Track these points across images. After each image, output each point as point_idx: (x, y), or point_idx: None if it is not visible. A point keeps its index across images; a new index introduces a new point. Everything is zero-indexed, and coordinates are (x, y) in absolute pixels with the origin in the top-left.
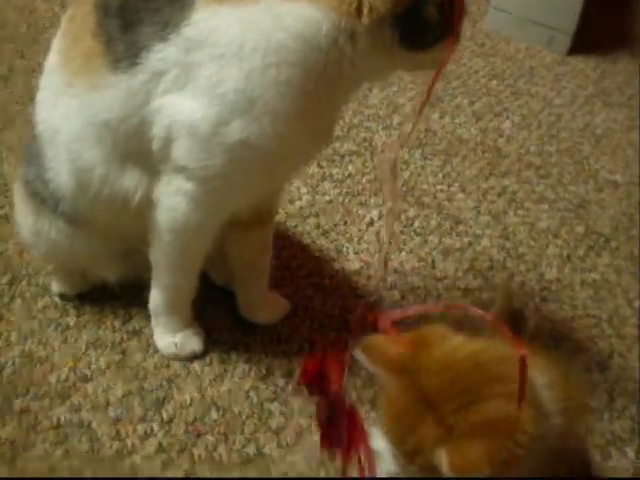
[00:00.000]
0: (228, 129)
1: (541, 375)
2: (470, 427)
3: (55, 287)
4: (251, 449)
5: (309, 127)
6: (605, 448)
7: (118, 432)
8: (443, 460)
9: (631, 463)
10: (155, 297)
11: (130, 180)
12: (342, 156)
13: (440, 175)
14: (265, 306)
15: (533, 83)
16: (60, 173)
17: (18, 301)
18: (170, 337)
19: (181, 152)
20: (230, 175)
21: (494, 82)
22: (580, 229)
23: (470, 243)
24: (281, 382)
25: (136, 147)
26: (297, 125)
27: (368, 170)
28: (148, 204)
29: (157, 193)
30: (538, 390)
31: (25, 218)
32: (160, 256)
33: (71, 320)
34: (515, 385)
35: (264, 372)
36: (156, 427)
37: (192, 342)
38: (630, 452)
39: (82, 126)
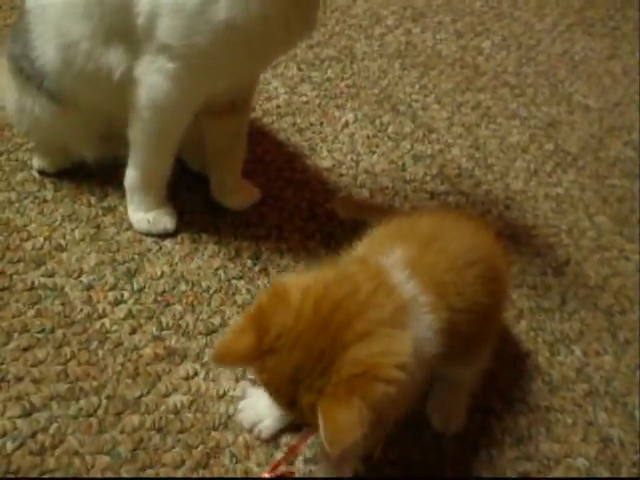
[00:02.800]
0: (215, 8)
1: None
2: (337, 389)
3: (35, 163)
4: (217, 320)
5: (293, 10)
6: (554, 345)
7: (90, 297)
8: (321, 428)
9: (578, 360)
10: (131, 175)
11: (114, 56)
12: (322, 61)
13: (417, 86)
14: (237, 192)
15: (517, 7)
16: (46, 50)
17: None
18: (143, 214)
19: (165, 29)
20: (212, 54)
21: (478, 3)
22: (549, 146)
23: (441, 151)
24: (249, 263)
25: (122, 23)
26: (282, 7)
27: (347, 76)
28: (129, 81)
29: (139, 71)
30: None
31: (10, 94)
32: (138, 134)
33: (48, 194)
34: (365, 320)
35: (233, 253)
36: (127, 295)
37: (164, 220)
38: (577, 351)
39: (71, 1)
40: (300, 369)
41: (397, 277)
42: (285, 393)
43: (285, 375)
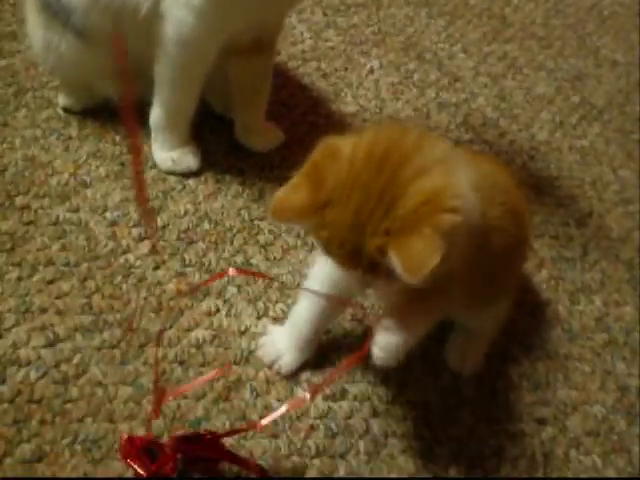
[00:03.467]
0: None
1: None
2: (405, 222)
3: (61, 101)
4: (239, 259)
5: None
6: (575, 294)
7: (114, 233)
8: (396, 264)
9: (598, 310)
10: (156, 113)
11: None
12: (348, 7)
13: (443, 35)
14: (261, 134)
15: None
16: None
17: (23, 111)
18: (167, 153)
19: None
20: None
21: None
22: (575, 99)
23: (466, 100)
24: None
25: None
26: None
27: (373, 23)
28: (155, 17)
29: (165, 6)
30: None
31: (36, 31)
32: (164, 70)
33: (73, 131)
34: (421, 159)
35: (256, 194)
36: (150, 231)
37: (188, 159)
38: (597, 301)
39: None
40: (362, 213)
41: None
42: (349, 245)
43: (347, 224)
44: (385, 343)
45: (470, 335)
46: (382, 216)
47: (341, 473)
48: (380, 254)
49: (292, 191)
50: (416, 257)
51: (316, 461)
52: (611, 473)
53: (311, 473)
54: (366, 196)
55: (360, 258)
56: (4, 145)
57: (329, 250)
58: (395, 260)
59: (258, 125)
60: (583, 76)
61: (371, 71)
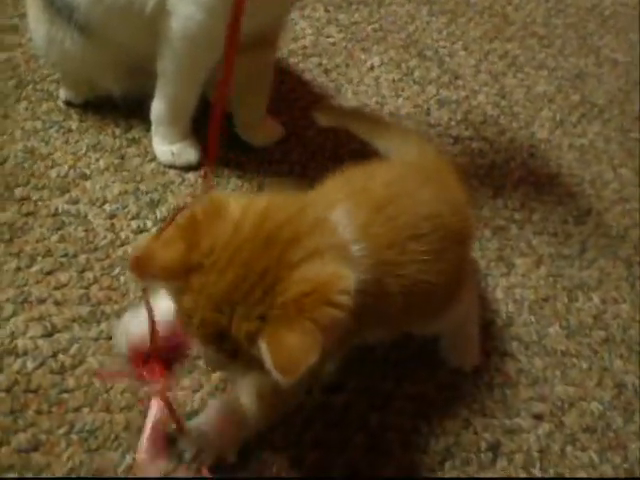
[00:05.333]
0: None
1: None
2: (283, 311)
3: (62, 94)
4: None
5: None
6: (573, 291)
7: (113, 225)
8: (266, 358)
9: (595, 307)
10: (157, 107)
11: None
12: (350, 3)
13: (444, 32)
14: (261, 128)
15: None
16: None
17: (23, 103)
18: (168, 146)
19: None
20: None
21: None
22: (575, 98)
23: (466, 97)
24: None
25: None
26: None
27: (374, 20)
28: (161, 14)
29: (173, 2)
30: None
31: (38, 25)
32: (168, 65)
33: (74, 124)
34: (314, 241)
35: (256, 189)
36: (149, 224)
37: (188, 153)
38: (595, 298)
39: None
40: (235, 291)
41: (342, 228)
42: (213, 325)
43: (215, 298)
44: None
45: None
46: (259, 298)
47: (338, 466)
48: (249, 342)
49: (162, 245)
50: (291, 354)
51: (313, 453)
52: (607, 470)
53: (308, 465)
54: (245, 272)
55: (223, 340)
56: (4, 137)
57: (188, 324)
58: (266, 353)
59: (259, 120)
60: (583, 75)
61: (372, 68)
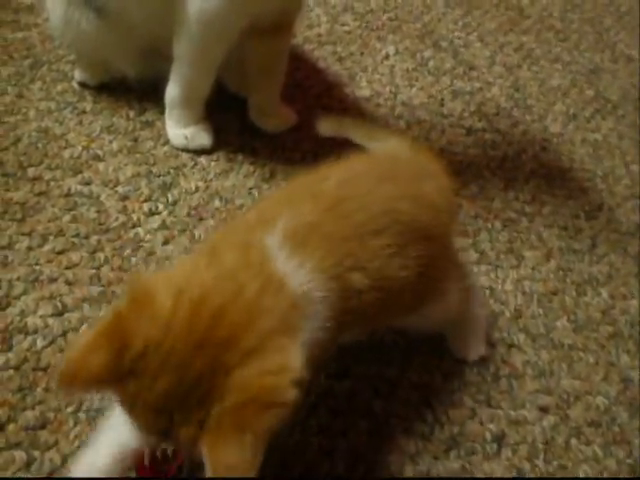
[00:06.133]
0: None
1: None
2: (222, 421)
3: (77, 75)
4: None
5: None
6: (582, 285)
7: (125, 207)
8: (207, 465)
9: (604, 302)
10: (172, 90)
11: None
12: None
13: (460, 23)
14: (274, 115)
15: None
16: None
17: (38, 83)
18: (181, 130)
19: None
20: None
21: None
22: (590, 92)
23: (480, 89)
24: (283, 185)
25: None
26: None
27: (390, 9)
28: None
29: None
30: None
31: (56, 6)
32: (184, 49)
33: (87, 105)
34: (250, 334)
35: (268, 175)
36: (161, 207)
37: (201, 137)
38: (604, 293)
39: None
40: (171, 397)
41: (284, 265)
42: (154, 424)
43: (151, 404)
44: None
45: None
46: (196, 404)
47: (341, 451)
48: (190, 445)
49: (88, 351)
50: (230, 469)
51: (316, 439)
52: (611, 464)
53: (312, 451)
54: (179, 378)
55: (168, 437)
56: (18, 116)
57: (131, 419)
58: (207, 461)
59: (272, 106)
60: (598, 70)
61: (386, 57)
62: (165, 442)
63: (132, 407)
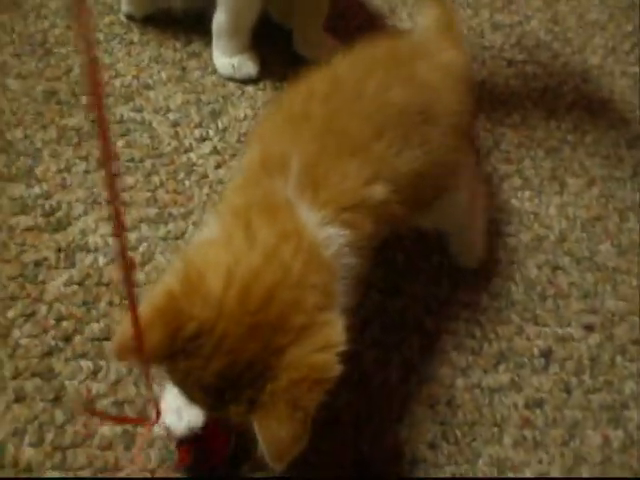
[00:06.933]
0: None
1: None
2: (273, 399)
3: (124, 8)
4: None
5: None
6: (624, 212)
7: (177, 133)
8: (259, 441)
9: None
10: (219, 18)
11: None
12: None
13: None
14: (318, 44)
15: None
16: None
17: None
18: (228, 59)
19: None
20: None
21: None
22: (628, 27)
23: (520, 22)
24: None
25: None
26: None
27: None
28: None
29: None
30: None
31: None
32: None
33: (135, 37)
34: (299, 313)
35: None
36: (212, 133)
37: (248, 65)
38: None
39: None
40: (224, 378)
41: (310, 220)
42: (204, 401)
43: (202, 383)
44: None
45: (462, 226)
46: (248, 384)
47: (395, 363)
48: (243, 419)
49: (143, 329)
50: (283, 445)
51: (371, 351)
52: None
53: (367, 362)
54: (233, 359)
55: (219, 411)
56: (68, 47)
57: (181, 392)
58: (259, 437)
59: (316, 35)
60: (635, 6)
61: None
62: (215, 415)
63: (183, 384)
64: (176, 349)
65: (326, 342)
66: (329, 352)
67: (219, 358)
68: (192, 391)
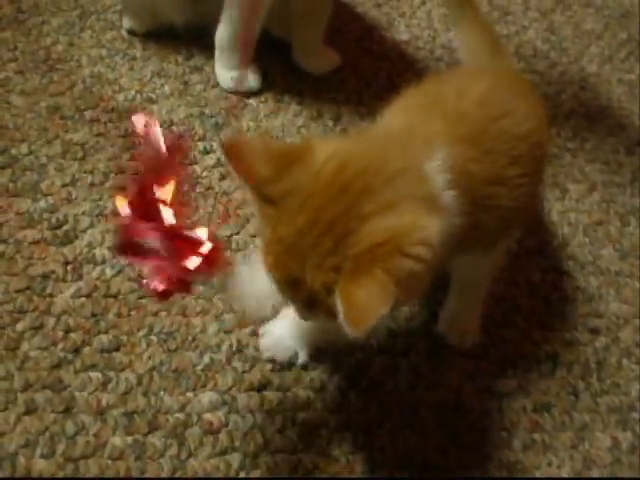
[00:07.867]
0: None
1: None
2: (356, 263)
3: (125, 23)
4: None
5: None
6: (625, 216)
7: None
8: (340, 309)
9: None
10: (222, 31)
11: None
12: None
13: None
14: (318, 56)
15: None
16: None
17: (88, 32)
18: (230, 72)
19: None
20: None
21: None
22: (623, 35)
23: (517, 32)
24: (330, 123)
25: None
26: None
27: None
28: None
29: None
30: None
31: None
32: None
33: (137, 52)
34: (389, 193)
35: (315, 114)
36: (215, 145)
37: (250, 79)
38: None
39: None
40: (304, 238)
41: (436, 182)
42: (284, 267)
43: (285, 243)
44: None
45: (462, 299)
46: (330, 249)
47: (403, 369)
48: (326, 292)
49: (258, 151)
50: (362, 306)
51: (379, 358)
52: None
53: (375, 369)
54: (314, 219)
55: (297, 288)
56: (71, 63)
57: (269, 268)
58: (340, 305)
59: (316, 48)
60: (629, 14)
61: (423, 2)
62: (295, 297)
63: (267, 243)
64: (268, 195)
65: (412, 222)
66: (414, 230)
67: (304, 214)
68: (276, 255)
